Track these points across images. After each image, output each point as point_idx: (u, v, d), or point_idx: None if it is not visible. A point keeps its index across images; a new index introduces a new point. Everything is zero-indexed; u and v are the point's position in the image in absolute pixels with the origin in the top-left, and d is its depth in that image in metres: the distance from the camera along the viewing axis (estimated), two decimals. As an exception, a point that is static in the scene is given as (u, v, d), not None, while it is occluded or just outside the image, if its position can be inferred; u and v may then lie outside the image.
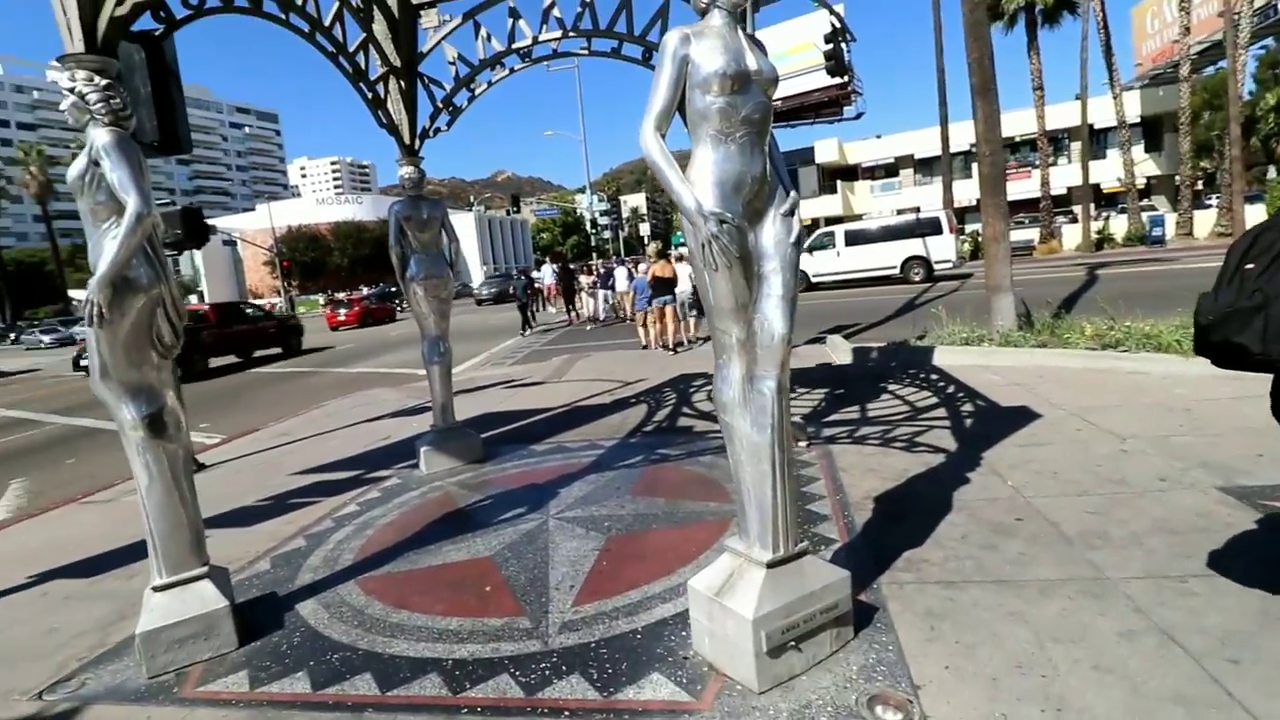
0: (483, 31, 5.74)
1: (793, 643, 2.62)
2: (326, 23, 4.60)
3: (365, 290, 36.69)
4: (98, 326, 3.03)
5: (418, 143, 5.76)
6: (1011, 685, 2.45)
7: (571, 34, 5.79)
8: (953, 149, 28.86)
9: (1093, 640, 2.65)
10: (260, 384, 14.91)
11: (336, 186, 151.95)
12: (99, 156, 2.97)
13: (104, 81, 2.94)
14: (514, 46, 5.87)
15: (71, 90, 2.91)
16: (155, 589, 3.25)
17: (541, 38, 5.82)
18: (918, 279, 21.17)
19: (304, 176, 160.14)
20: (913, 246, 21.44)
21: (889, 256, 21.77)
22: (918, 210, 27.23)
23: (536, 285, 25.48)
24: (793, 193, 2.72)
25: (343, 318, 30.00)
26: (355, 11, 4.83)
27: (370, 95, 5.30)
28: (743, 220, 2.56)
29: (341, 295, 31.49)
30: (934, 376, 7.53)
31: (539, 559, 3.93)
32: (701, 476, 5.06)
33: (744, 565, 2.73)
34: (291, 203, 77.07)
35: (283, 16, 4.18)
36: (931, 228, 21.39)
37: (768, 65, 2.64)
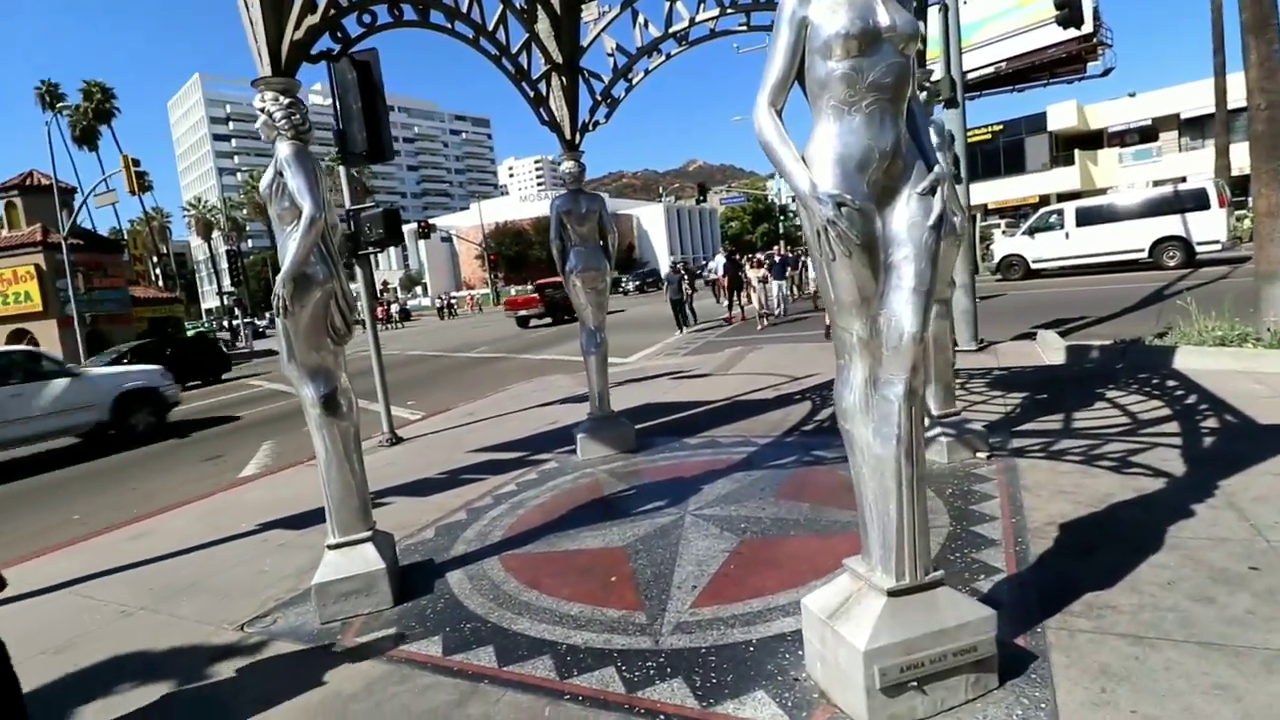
0: (640, 19, 5.76)
1: (914, 683, 2.29)
2: (490, 27, 4.89)
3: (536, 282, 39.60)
4: (283, 317, 3.51)
5: (578, 137, 5.95)
6: (1203, 782, 1.92)
7: (730, 10, 5.59)
8: (1231, 104, 23.56)
9: (1340, 743, 2.00)
10: (461, 367, 16.54)
11: (539, 183, 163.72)
12: (282, 168, 3.42)
13: (287, 100, 3.38)
14: (671, 30, 5.80)
15: (262, 110, 3.38)
16: (329, 547, 3.71)
17: (699, 18, 5.70)
18: (1172, 264, 17.65)
19: (511, 175, 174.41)
20: (1168, 225, 17.90)
21: (1135, 237, 18.36)
22: (1181, 181, 22.73)
23: (708, 277, 24.59)
24: (937, 167, 2.35)
25: (522, 301, 31.79)
26: (519, 13, 5.09)
27: (532, 94, 5.57)
28: (868, 202, 2.26)
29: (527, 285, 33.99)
30: (1171, 383, 6.24)
31: (668, 555, 3.87)
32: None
33: (863, 590, 2.45)
34: (500, 201, 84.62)
35: (449, 26, 4.51)
36: (1195, 201, 17.68)
37: (904, 19, 2.29)
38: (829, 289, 2.35)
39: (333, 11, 3.52)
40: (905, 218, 2.28)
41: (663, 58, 6.04)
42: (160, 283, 34.24)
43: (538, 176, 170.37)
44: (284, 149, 3.43)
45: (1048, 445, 4.94)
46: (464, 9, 4.57)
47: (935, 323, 4.83)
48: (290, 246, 3.39)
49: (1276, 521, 3.37)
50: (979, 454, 4.81)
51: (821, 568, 3.49)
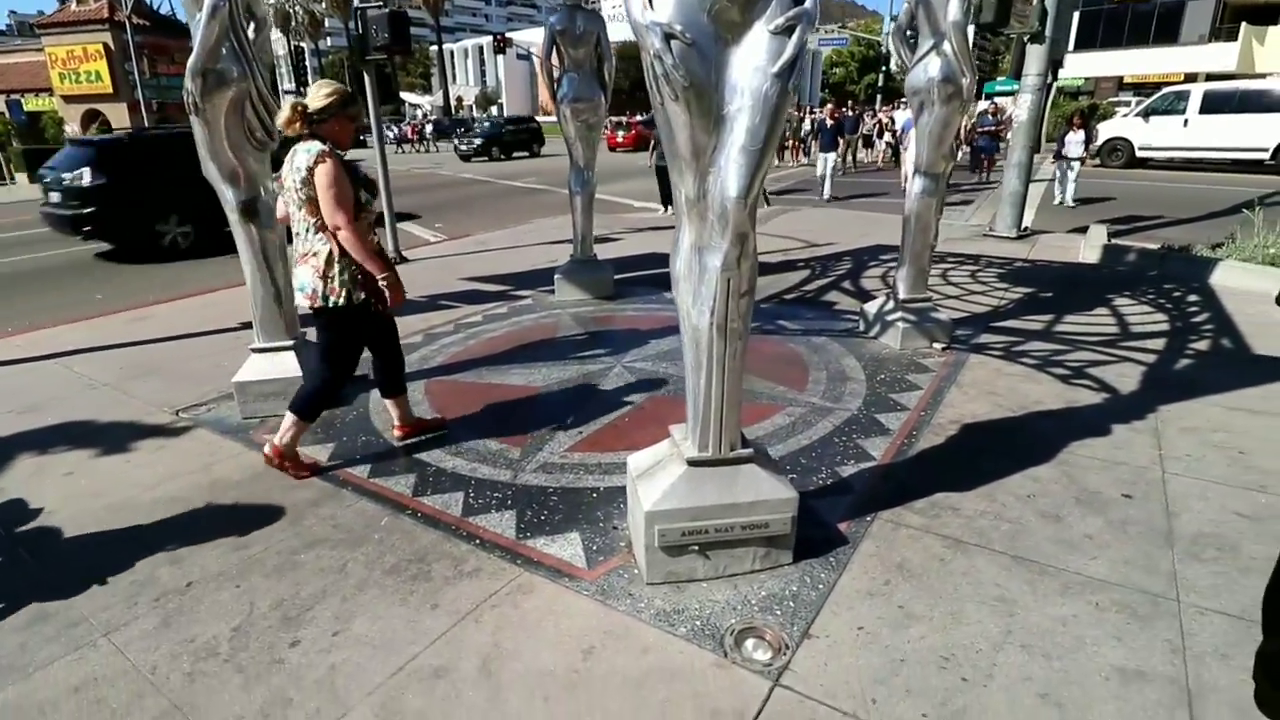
0: None
1: (696, 547, 2.35)
2: None
3: (643, 116, 36.99)
4: (194, 114, 3.46)
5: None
6: (914, 676, 1.97)
7: None
8: None
9: (1072, 667, 1.98)
10: (503, 195, 16.37)
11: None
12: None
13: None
14: None
15: None
16: (252, 349, 3.93)
17: None
18: (1300, 168, 15.41)
19: None
20: (1306, 124, 15.39)
21: (1262, 134, 15.93)
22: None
23: None
24: (807, 3, 1.99)
25: (620, 140, 30.43)
26: None
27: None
28: (709, 36, 1.96)
29: (621, 119, 32.35)
30: (1192, 299, 5.67)
31: (577, 399, 3.96)
32: (797, 356, 4.56)
33: (672, 456, 2.45)
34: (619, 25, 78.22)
35: None
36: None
37: None
38: (666, 137, 2.13)
39: None
40: (750, 62, 1.97)
41: None
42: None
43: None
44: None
45: (1012, 346, 4.65)
46: None
47: (918, 200, 4.45)
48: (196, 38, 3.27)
49: (1188, 454, 3.16)
50: (935, 345, 4.58)
51: (706, 433, 3.52)
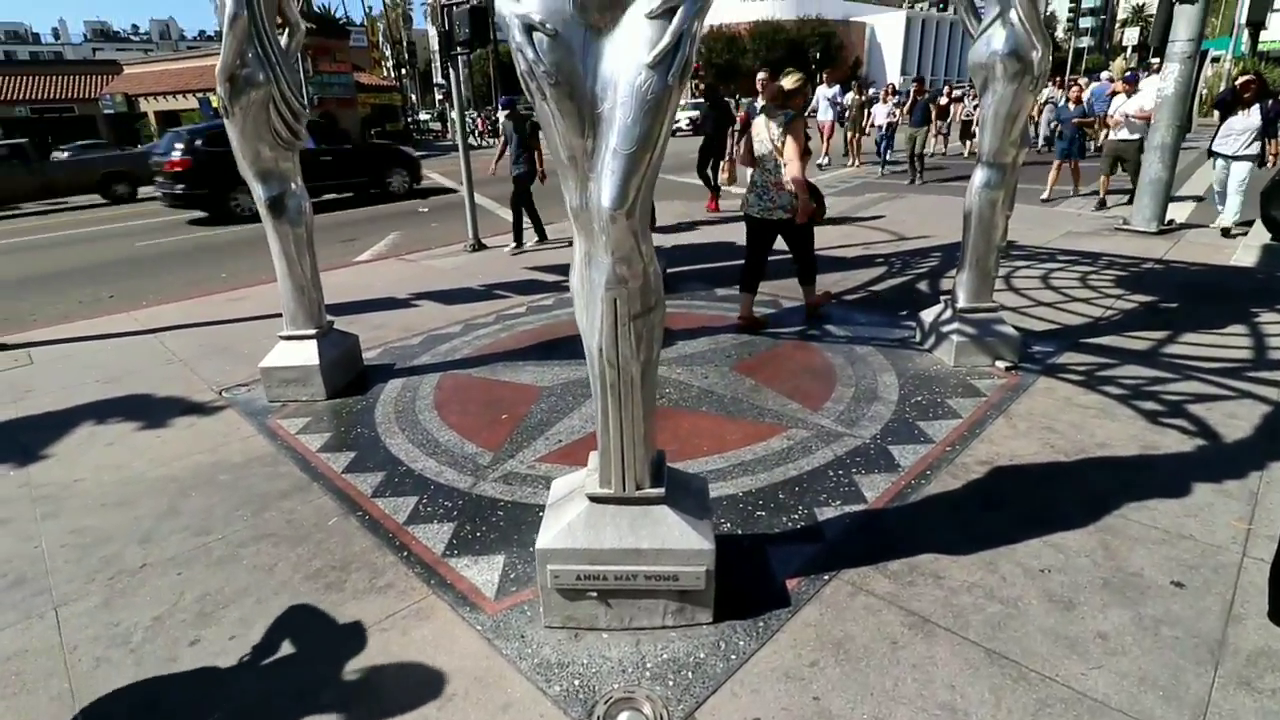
0: None
1: (594, 594, 2.13)
2: None
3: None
4: (223, 115, 3.64)
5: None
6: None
7: None
8: None
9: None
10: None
11: None
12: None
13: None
14: None
15: None
16: (281, 337, 4.12)
17: None
18: None
19: None
20: None
21: None
22: None
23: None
24: None
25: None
26: None
27: None
28: (577, 26, 1.69)
29: (754, 100, 32.89)
30: (1383, 317, 4.47)
31: (570, 404, 3.80)
32: (829, 368, 4.11)
33: (580, 488, 2.23)
34: (719, 1, 76.73)
35: None
36: None
37: None
38: (547, 139, 1.89)
39: None
40: (626, 53, 1.68)
41: None
42: (390, 72, 36.85)
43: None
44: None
45: (1099, 369, 3.90)
46: None
47: (980, 193, 3.83)
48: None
49: (1285, 532, 2.44)
50: (997, 362, 3.94)
51: (691, 449, 3.25)
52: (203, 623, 2.31)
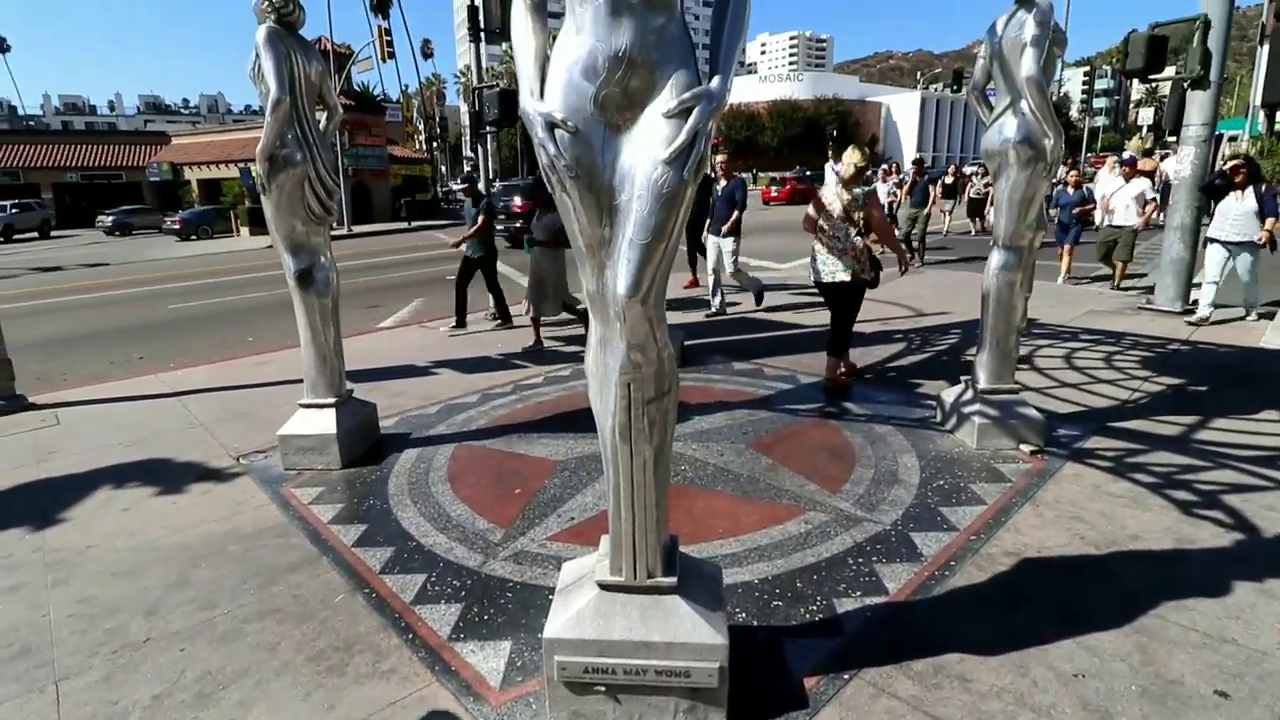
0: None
1: (603, 688, 2.04)
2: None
3: (788, 173, 38.37)
4: (263, 194, 3.80)
5: None
6: None
7: None
8: None
9: None
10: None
11: (792, 61, 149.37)
12: (258, 51, 3.57)
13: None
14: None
15: None
16: (300, 405, 4.17)
17: None
18: None
19: (763, 53, 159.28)
20: None
21: None
22: None
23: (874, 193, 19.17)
24: (714, 82, 1.73)
25: (775, 195, 32.72)
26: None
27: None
28: (597, 124, 1.77)
29: (776, 174, 36.13)
30: None
31: (584, 480, 3.77)
32: (848, 448, 4.05)
33: (591, 574, 2.18)
34: (740, 80, 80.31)
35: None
36: None
37: None
38: (566, 227, 1.94)
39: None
40: (643, 148, 1.75)
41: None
42: (422, 145, 38.71)
43: (790, 54, 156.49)
44: (259, 33, 3.59)
45: (1128, 455, 3.80)
46: None
47: (998, 275, 3.84)
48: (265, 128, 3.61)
49: (1336, 641, 2.31)
50: (1022, 446, 3.85)
51: (706, 531, 3.18)
52: (201, 704, 2.25)
